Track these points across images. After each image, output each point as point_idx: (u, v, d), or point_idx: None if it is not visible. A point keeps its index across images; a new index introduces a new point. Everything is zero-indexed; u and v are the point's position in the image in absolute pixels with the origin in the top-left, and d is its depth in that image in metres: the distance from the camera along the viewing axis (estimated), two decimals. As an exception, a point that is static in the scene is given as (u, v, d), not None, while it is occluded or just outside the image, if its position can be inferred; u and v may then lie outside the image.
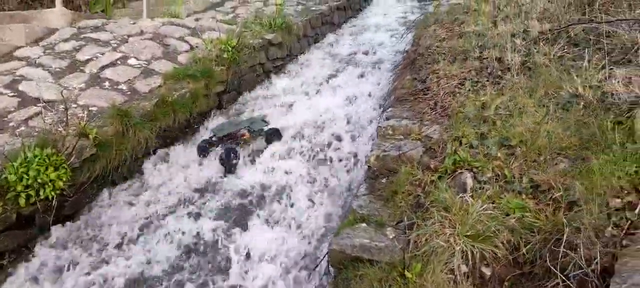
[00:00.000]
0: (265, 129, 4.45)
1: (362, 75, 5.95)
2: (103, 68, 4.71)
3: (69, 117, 3.67)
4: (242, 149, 4.14)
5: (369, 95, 5.15)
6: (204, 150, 4.21)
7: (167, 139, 4.35)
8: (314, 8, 8.37)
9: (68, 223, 3.34)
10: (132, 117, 3.82)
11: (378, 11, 9.78)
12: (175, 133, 4.42)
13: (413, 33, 6.44)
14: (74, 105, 4.03)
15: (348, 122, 4.54)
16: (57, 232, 3.23)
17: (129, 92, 4.39)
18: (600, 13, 3.67)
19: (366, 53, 6.96)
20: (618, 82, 2.65)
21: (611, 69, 2.86)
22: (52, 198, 3.14)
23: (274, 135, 4.31)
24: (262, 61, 6.10)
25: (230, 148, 4.04)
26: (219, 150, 4.13)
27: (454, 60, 4.06)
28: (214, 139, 4.37)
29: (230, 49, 5.26)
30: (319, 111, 4.90)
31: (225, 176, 3.85)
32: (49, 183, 3.12)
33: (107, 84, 4.47)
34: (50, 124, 3.62)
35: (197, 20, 6.89)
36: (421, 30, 5.82)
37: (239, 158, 3.98)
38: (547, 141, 2.53)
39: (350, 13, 9.50)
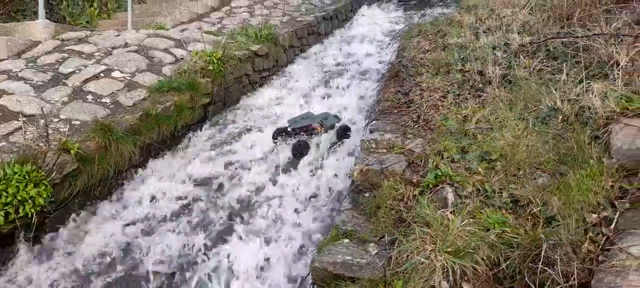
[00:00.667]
0: (337, 124, 4.55)
1: (348, 87, 5.99)
2: (86, 81, 4.66)
3: (50, 132, 3.63)
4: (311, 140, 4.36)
5: (355, 107, 5.17)
6: (276, 137, 4.51)
7: (152, 152, 4.31)
8: (300, 19, 8.42)
9: (47, 239, 3.28)
10: (115, 131, 3.79)
11: (364, 21, 9.86)
12: (159, 146, 4.39)
13: (398, 44, 6.50)
14: (56, 120, 3.98)
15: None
16: (35, 248, 3.18)
17: (112, 106, 4.35)
18: (578, 27, 3.75)
19: (352, 63, 7.01)
20: (595, 96, 2.71)
21: (588, 82, 2.92)
22: (32, 215, 3.09)
23: (345, 130, 4.44)
24: (248, 72, 6.10)
25: (302, 141, 4.30)
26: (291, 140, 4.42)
27: (437, 72, 4.11)
28: (289, 129, 4.51)
29: (215, 61, 5.26)
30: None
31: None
32: (29, 201, 3.07)
33: (90, 97, 4.43)
34: (31, 139, 3.57)
35: (182, 31, 6.87)
36: (406, 41, 5.88)
37: (309, 149, 4.23)
38: (526, 155, 2.57)
39: (336, 23, 9.57)
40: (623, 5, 3.62)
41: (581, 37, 3.31)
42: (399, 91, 4.05)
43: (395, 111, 3.76)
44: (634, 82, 2.71)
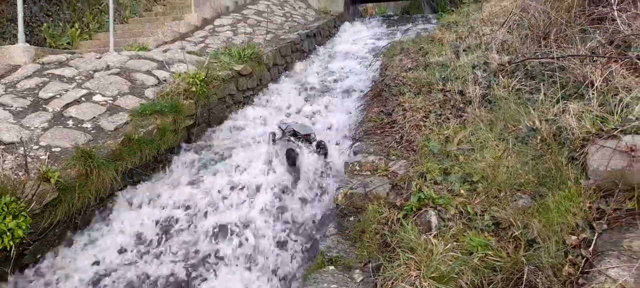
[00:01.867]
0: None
1: (332, 105, 6.02)
2: (67, 106, 4.60)
3: (30, 160, 3.57)
4: None
5: (340, 126, 5.19)
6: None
7: (134, 176, 4.26)
8: (283, 36, 8.47)
9: (25, 271, 3.21)
10: (96, 158, 3.73)
11: (347, 38, 9.97)
12: (142, 171, 4.34)
13: (381, 61, 6.58)
14: (36, 147, 3.91)
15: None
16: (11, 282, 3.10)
17: (93, 131, 4.30)
18: (555, 46, 3.85)
19: (336, 81, 7.06)
20: (571, 116, 2.77)
21: (565, 103, 2.99)
22: (11, 248, 3.02)
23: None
24: (232, 92, 6.10)
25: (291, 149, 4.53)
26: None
27: (419, 92, 4.16)
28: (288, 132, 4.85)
29: (198, 82, 5.24)
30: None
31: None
32: (8, 233, 3.00)
33: (70, 122, 4.37)
34: (10, 169, 3.50)
35: (165, 52, 6.85)
36: (388, 59, 5.96)
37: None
38: (506, 177, 2.61)
39: (320, 40, 9.65)
40: (597, 25, 3.73)
41: (557, 58, 3.40)
42: (382, 111, 4.09)
43: (379, 132, 3.79)
44: (608, 102, 2.78)
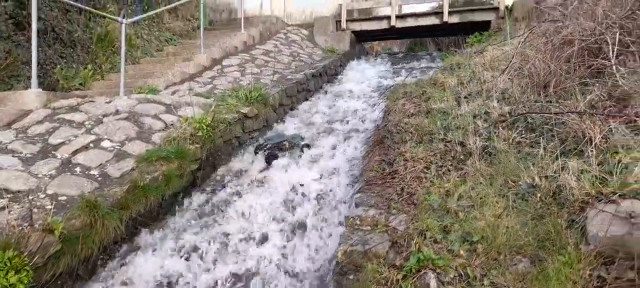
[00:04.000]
0: (302, 143, 6.13)
1: (335, 147, 6.05)
2: (75, 152, 4.70)
3: (36, 210, 3.63)
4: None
5: (343, 171, 5.22)
6: (257, 151, 6.01)
7: (137, 224, 4.30)
8: (290, 76, 8.61)
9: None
10: (101, 207, 3.78)
11: (353, 76, 10.09)
12: (145, 219, 4.37)
13: (384, 103, 6.63)
14: (42, 196, 3.98)
15: (319, 201, 4.58)
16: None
17: (100, 178, 4.37)
18: (554, 97, 3.87)
19: (340, 121, 7.12)
20: (570, 175, 2.77)
21: (565, 160, 2.99)
22: (12, 303, 3.05)
23: (306, 146, 6.08)
24: (238, 134, 6.18)
25: (272, 152, 5.86)
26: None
27: (420, 141, 4.19)
28: (267, 145, 6.06)
29: (205, 127, 5.33)
30: (292, 187, 4.95)
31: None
32: (9, 288, 3.04)
33: (78, 169, 4.45)
34: (15, 220, 3.56)
35: (173, 93, 7.00)
36: (392, 102, 6.01)
37: (277, 157, 5.79)
38: (506, 238, 2.60)
39: (325, 79, 9.78)
40: (596, 77, 3.76)
41: (555, 114, 3.42)
42: (383, 160, 4.11)
43: (380, 182, 3.80)
44: (608, 160, 2.78)
